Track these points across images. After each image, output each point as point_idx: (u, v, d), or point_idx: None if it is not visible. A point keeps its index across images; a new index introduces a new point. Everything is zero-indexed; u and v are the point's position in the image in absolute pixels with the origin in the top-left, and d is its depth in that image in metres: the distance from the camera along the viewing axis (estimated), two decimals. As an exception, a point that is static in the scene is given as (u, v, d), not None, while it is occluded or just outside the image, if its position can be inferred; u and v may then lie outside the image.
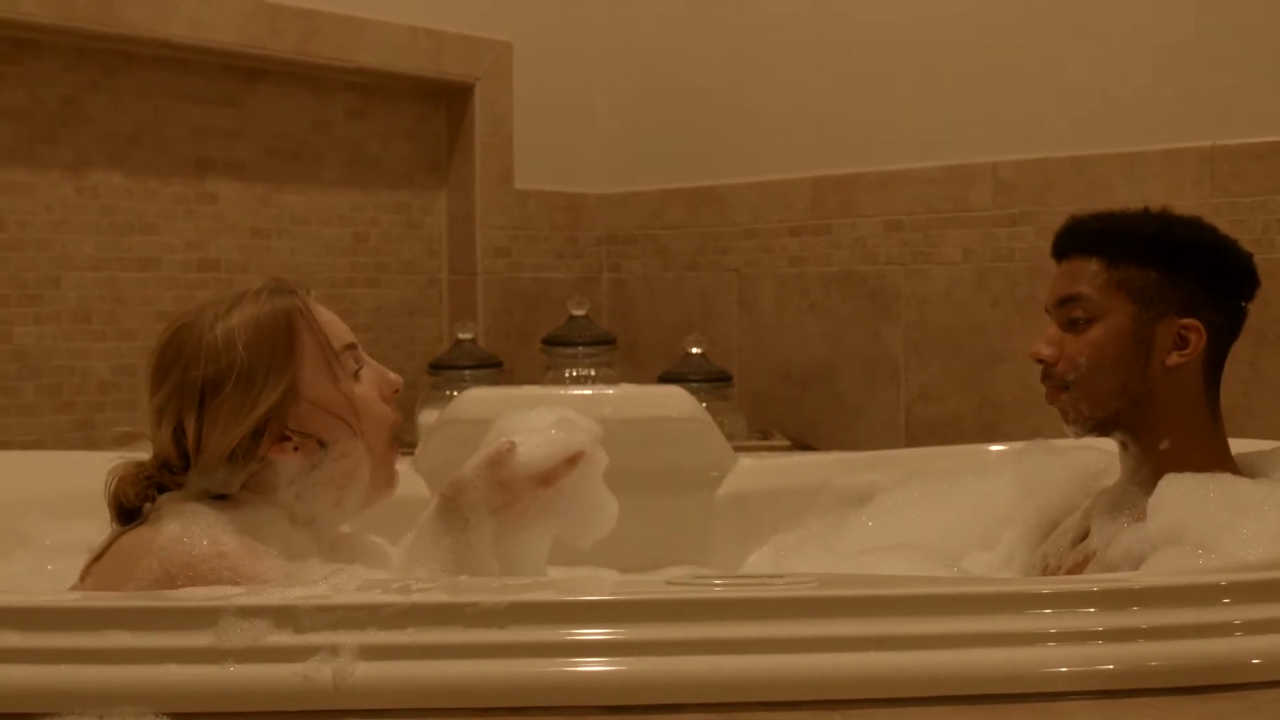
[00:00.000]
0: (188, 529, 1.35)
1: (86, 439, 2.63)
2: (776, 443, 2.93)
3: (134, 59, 2.72)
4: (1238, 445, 1.63)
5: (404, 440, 1.53)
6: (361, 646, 1.10)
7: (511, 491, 1.45)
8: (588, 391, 2.40)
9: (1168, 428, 1.58)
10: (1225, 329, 1.60)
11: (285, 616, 1.11)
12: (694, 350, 2.96)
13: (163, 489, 1.43)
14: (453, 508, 1.43)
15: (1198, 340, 1.56)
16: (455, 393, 2.63)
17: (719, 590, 1.19)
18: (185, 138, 2.82)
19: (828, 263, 3.06)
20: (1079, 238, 1.64)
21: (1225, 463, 1.59)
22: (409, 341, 3.23)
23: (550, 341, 3.03)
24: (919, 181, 2.90)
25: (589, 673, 1.11)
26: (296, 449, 1.42)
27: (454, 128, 3.29)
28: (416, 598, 1.13)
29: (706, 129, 3.33)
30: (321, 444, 1.43)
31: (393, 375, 1.52)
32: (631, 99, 3.49)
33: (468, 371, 2.94)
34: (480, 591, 1.15)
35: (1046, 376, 1.62)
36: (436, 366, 2.99)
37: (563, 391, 2.51)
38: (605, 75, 3.50)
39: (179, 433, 1.41)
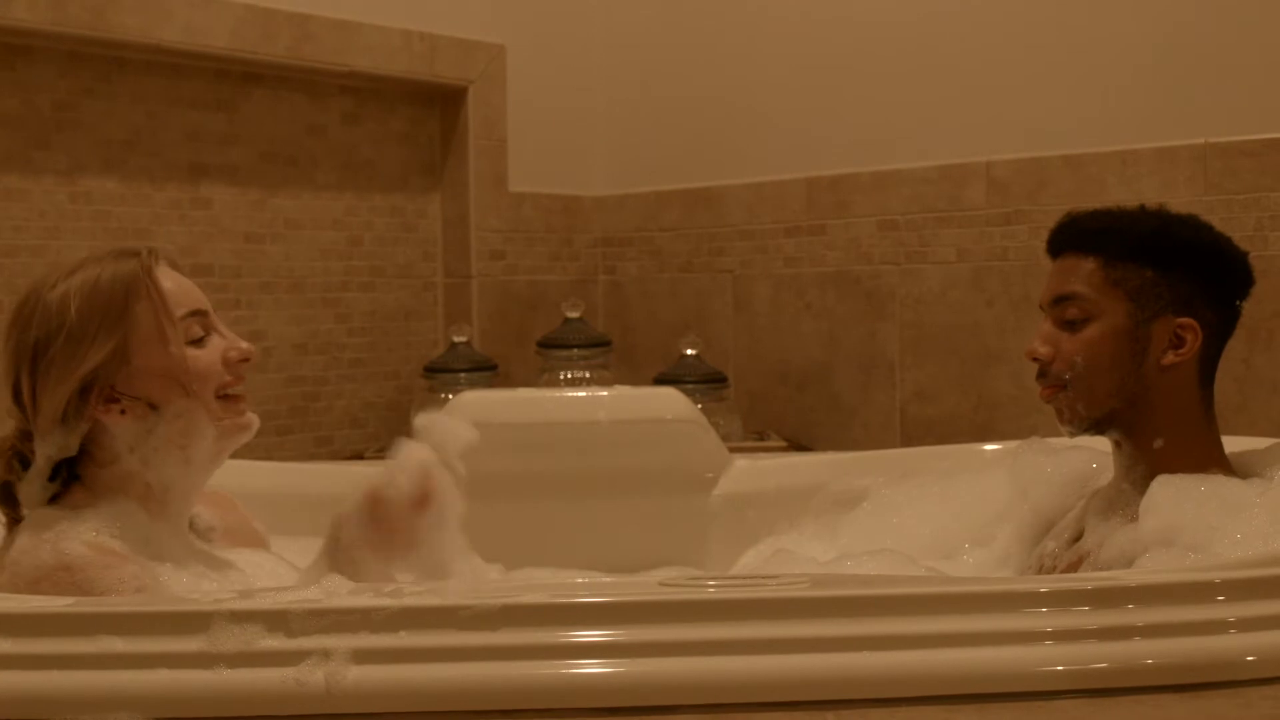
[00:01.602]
0: (36, 541, 1.35)
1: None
2: (772, 443, 2.93)
3: (127, 64, 2.72)
4: (1232, 443, 1.63)
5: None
6: (354, 650, 1.09)
7: (389, 524, 1.43)
8: (583, 394, 2.39)
9: (1162, 427, 1.57)
10: (1220, 328, 1.60)
11: (277, 621, 1.11)
12: (689, 352, 2.96)
13: (25, 461, 1.43)
14: (336, 547, 1.42)
15: (1194, 339, 1.56)
16: (450, 396, 2.63)
17: (713, 591, 1.19)
18: (179, 143, 2.82)
19: (823, 263, 3.06)
20: (1075, 235, 1.63)
21: (1218, 461, 1.58)
22: (404, 345, 3.23)
23: (546, 344, 3.03)
24: (913, 181, 2.90)
25: (582, 674, 1.11)
26: (124, 412, 1.42)
27: (448, 131, 3.29)
28: (409, 601, 1.13)
29: (701, 131, 3.33)
30: (153, 406, 1.43)
31: (244, 344, 1.51)
32: (626, 101, 3.49)
33: (463, 374, 2.94)
34: (473, 594, 1.15)
35: (1042, 374, 1.62)
36: (432, 369, 2.99)
37: (558, 394, 2.51)
38: (599, 77, 3.50)
39: (17, 394, 1.43)
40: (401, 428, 3.03)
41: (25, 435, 1.44)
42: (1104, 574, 1.38)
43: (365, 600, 1.13)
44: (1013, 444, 2.03)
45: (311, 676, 1.08)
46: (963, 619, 1.15)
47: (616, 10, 3.48)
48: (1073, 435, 1.63)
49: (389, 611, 1.11)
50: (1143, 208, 1.65)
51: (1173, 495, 1.48)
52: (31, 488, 1.44)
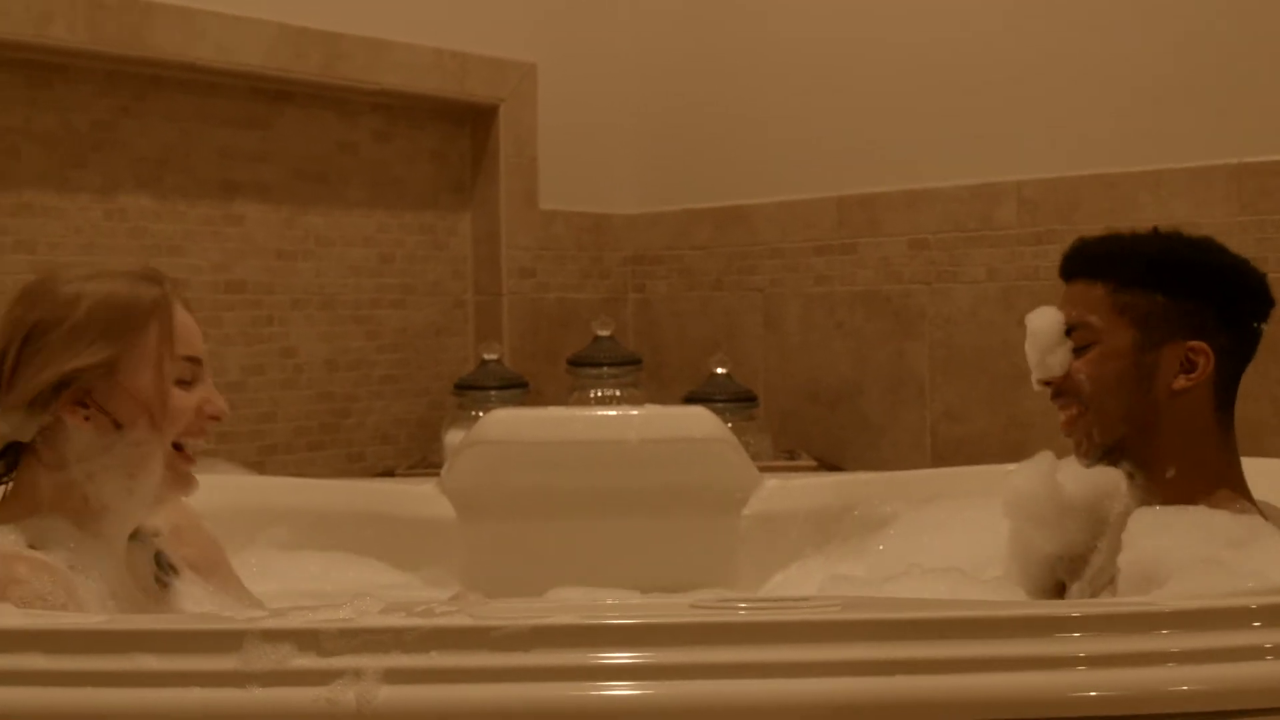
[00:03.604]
0: None
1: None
2: (802, 463, 2.92)
3: (162, 83, 2.74)
4: (1261, 466, 1.61)
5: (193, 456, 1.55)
6: (385, 670, 1.09)
7: None
8: (613, 412, 2.40)
9: (1174, 456, 1.55)
10: (1236, 352, 1.57)
11: (309, 640, 1.11)
12: (719, 370, 2.96)
13: None
14: None
15: (1205, 364, 1.53)
16: (481, 413, 2.64)
17: (743, 614, 1.19)
18: (212, 160, 2.84)
19: (853, 282, 3.06)
20: (1083, 262, 1.62)
21: (1233, 485, 1.55)
22: (435, 362, 3.24)
23: (576, 362, 3.03)
24: (944, 200, 2.89)
25: (613, 696, 1.10)
26: (88, 419, 1.43)
27: (479, 149, 3.30)
28: (440, 621, 1.13)
29: (731, 149, 3.33)
30: (117, 425, 1.44)
31: (222, 403, 1.53)
32: (656, 119, 3.49)
33: (493, 392, 2.94)
34: (504, 615, 1.15)
35: (1058, 394, 1.61)
36: (462, 387, 2.99)
37: (589, 412, 2.51)
38: (630, 96, 3.51)
39: None
40: (432, 444, 3.06)
41: None
42: (1137, 599, 1.37)
43: (397, 620, 1.13)
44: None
45: (343, 696, 1.08)
46: (996, 643, 1.14)
47: (647, 29, 3.49)
48: (1088, 466, 1.62)
49: (420, 632, 1.11)
50: (1155, 230, 1.63)
51: (1148, 528, 1.46)
52: None
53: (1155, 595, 1.38)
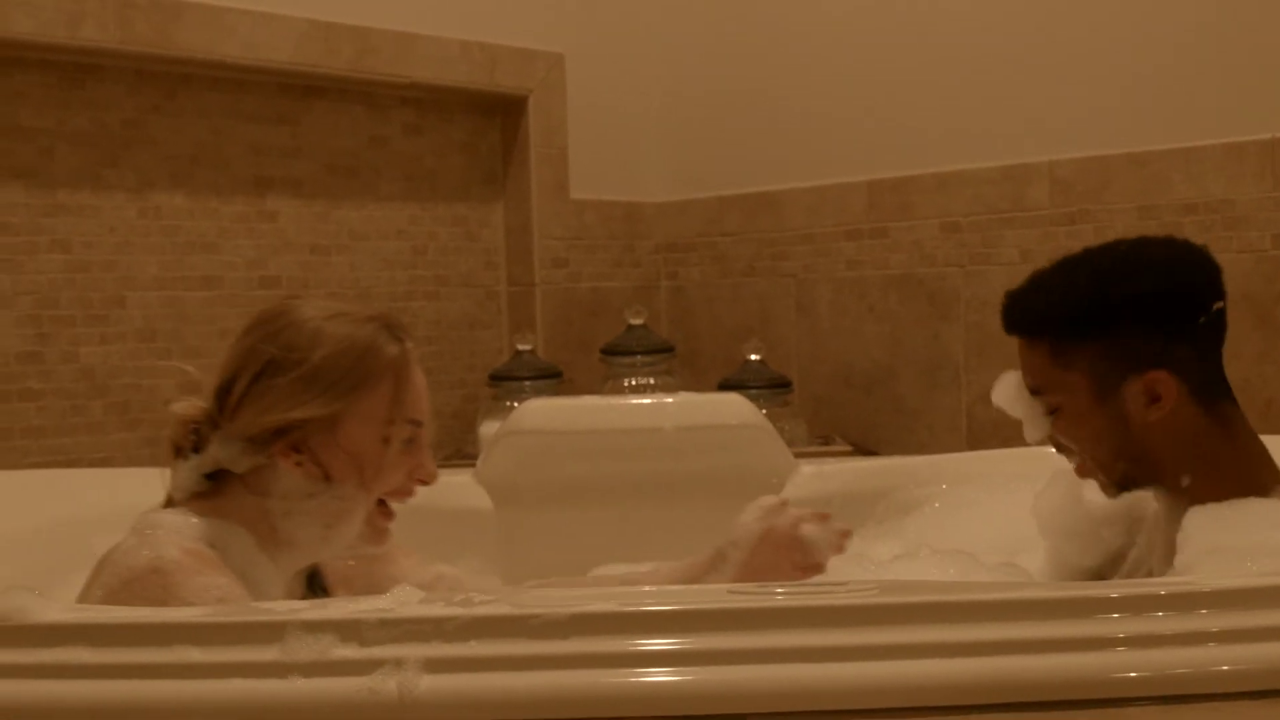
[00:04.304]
0: (138, 541, 1.36)
1: (154, 456, 2.64)
2: (837, 448, 2.91)
3: (192, 81, 2.76)
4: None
5: (426, 480, 1.53)
6: (426, 659, 1.10)
7: (774, 560, 1.65)
8: (648, 400, 2.40)
9: (1180, 467, 1.51)
10: (1198, 352, 1.50)
11: (350, 630, 1.12)
12: (753, 357, 2.96)
13: (199, 441, 1.44)
14: (720, 563, 1.65)
15: (1169, 388, 1.48)
16: (515, 404, 2.64)
17: (781, 598, 1.19)
18: (244, 157, 2.85)
19: (885, 266, 3.05)
20: (1016, 321, 1.57)
21: (1260, 474, 1.51)
22: (469, 353, 3.25)
23: (609, 351, 3.04)
24: (976, 182, 2.88)
25: (652, 683, 1.11)
26: (299, 465, 1.41)
27: (509, 140, 3.31)
28: (479, 610, 1.13)
29: (761, 135, 3.32)
30: (327, 477, 1.42)
31: (434, 470, 1.50)
32: (685, 107, 3.49)
33: (528, 382, 2.95)
34: (543, 603, 1.15)
35: (1057, 448, 1.59)
36: (497, 378, 3.00)
37: (624, 401, 2.51)
38: (658, 84, 3.51)
39: (225, 389, 1.42)
40: (468, 435, 3.06)
41: (212, 423, 1.44)
42: (1177, 579, 1.36)
43: (437, 610, 1.13)
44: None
45: (384, 685, 1.09)
46: (1035, 625, 1.14)
47: (674, 16, 3.48)
48: (1113, 498, 1.60)
49: (460, 621, 1.12)
50: (1077, 262, 1.55)
51: (1205, 523, 1.44)
52: (189, 474, 1.45)
53: (1195, 575, 1.38)
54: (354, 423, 1.42)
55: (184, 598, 1.30)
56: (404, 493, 1.48)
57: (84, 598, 1.38)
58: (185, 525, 1.40)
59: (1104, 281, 1.51)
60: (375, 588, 1.61)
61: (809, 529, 1.66)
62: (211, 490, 1.45)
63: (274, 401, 1.40)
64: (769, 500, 1.71)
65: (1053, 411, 1.55)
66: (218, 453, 1.43)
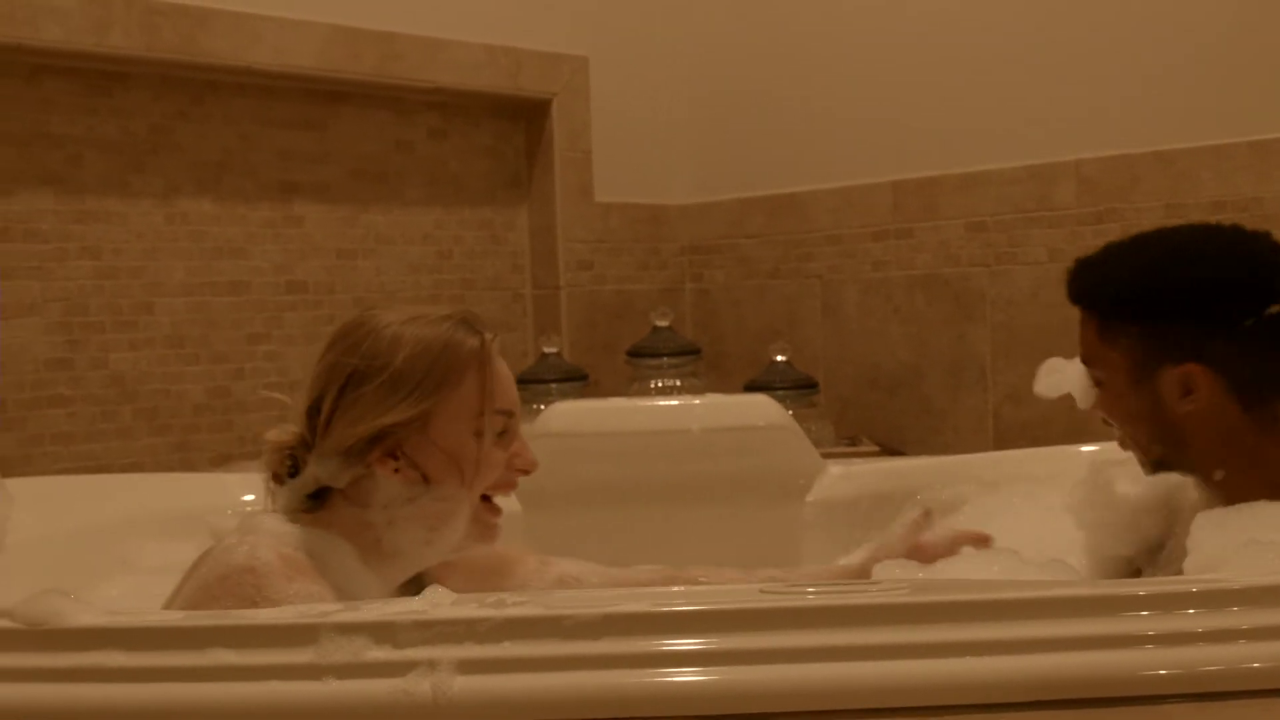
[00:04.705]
0: (239, 540, 1.37)
1: (183, 461, 2.68)
2: (864, 449, 2.91)
3: (219, 87, 2.77)
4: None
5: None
6: (459, 661, 1.11)
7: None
8: (675, 402, 2.40)
9: (1215, 461, 1.51)
10: (1243, 353, 1.48)
11: (384, 632, 1.12)
12: (779, 358, 2.96)
13: (295, 468, 1.45)
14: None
15: (1205, 383, 1.48)
16: (542, 406, 2.64)
17: (812, 598, 1.19)
18: (271, 162, 2.87)
19: (911, 266, 3.04)
20: (1076, 290, 1.59)
21: None
22: (495, 357, 3.25)
23: (635, 353, 3.04)
24: (1001, 182, 2.88)
25: (684, 682, 1.11)
26: (398, 471, 1.42)
27: (533, 143, 3.31)
28: (512, 611, 1.14)
29: (785, 136, 3.32)
30: (426, 479, 1.43)
31: (533, 457, 1.50)
32: (709, 109, 3.49)
33: (554, 385, 2.95)
34: (575, 604, 1.15)
35: (1104, 419, 1.61)
36: (523, 381, 3.00)
37: (650, 403, 2.52)
38: (682, 86, 3.51)
39: (315, 409, 1.43)
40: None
41: (306, 445, 1.45)
42: (1207, 576, 1.36)
43: (470, 611, 1.14)
44: (1100, 450, 1.99)
45: (418, 687, 1.09)
46: (1065, 623, 1.14)
47: (697, 19, 3.48)
48: (1149, 475, 1.60)
49: (493, 622, 1.12)
50: (1146, 242, 1.56)
51: (1205, 531, 1.43)
52: (290, 497, 1.46)
53: (1224, 572, 1.37)
54: (444, 420, 1.42)
55: (275, 600, 1.30)
56: (506, 485, 1.49)
57: (179, 591, 1.39)
58: (286, 531, 1.41)
59: (1157, 267, 1.52)
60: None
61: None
62: (315, 507, 1.46)
63: (363, 411, 1.40)
64: (915, 514, 1.79)
65: (1098, 384, 1.57)
66: (316, 471, 1.43)
